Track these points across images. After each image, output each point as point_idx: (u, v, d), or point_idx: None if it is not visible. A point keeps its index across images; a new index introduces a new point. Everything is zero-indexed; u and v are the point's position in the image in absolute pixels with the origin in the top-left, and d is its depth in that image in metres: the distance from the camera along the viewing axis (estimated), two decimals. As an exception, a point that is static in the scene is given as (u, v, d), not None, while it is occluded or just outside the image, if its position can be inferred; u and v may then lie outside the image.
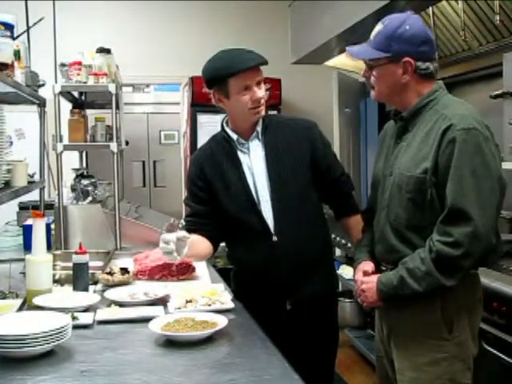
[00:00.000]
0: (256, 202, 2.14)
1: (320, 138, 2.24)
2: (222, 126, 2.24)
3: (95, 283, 2.39)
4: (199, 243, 2.19)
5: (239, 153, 2.19)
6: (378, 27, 1.85)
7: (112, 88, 3.22)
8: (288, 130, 2.21)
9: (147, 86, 6.28)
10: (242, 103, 2.10)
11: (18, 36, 2.67)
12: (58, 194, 3.27)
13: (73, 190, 3.58)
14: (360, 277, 1.93)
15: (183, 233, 2.08)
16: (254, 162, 2.17)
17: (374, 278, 1.87)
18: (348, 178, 2.31)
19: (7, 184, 2.56)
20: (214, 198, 2.19)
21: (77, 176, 3.77)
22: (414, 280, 1.74)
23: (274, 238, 2.12)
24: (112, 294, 2.20)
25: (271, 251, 2.13)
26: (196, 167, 2.25)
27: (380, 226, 1.92)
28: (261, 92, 2.11)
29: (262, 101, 2.12)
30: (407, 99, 1.86)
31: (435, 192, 1.75)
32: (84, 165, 4.68)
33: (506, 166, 2.55)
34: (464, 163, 1.69)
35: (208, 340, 1.73)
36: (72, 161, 4.24)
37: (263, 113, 2.15)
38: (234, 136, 2.19)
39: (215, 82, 2.11)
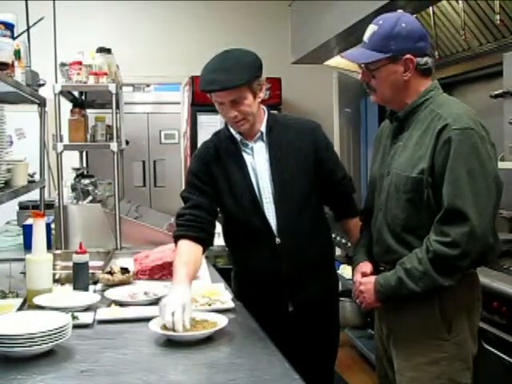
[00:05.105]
0: (259, 203, 2.12)
1: (324, 140, 2.22)
2: (226, 124, 2.20)
3: (95, 283, 2.39)
4: (196, 261, 2.08)
5: (244, 153, 2.16)
6: (372, 28, 1.82)
7: (112, 88, 3.22)
8: (292, 131, 2.18)
9: (147, 85, 6.28)
10: (222, 115, 2.10)
11: (18, 36, 2.67)
12: (58, 194, 3.27)
13: (73, 189, 3.58)
14: (358, 278, 1.92)
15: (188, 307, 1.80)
16: (257, 163, 2.15)
17: (372, 278, 1.86)
18: (350, 180, 2.30)
19: (7, 184, 2.56)
20: (217, 196, 2.16)
21: (77, 175, 3.77)
22: (412, 280, 1.73)
23: (277, 240, 2.11)
24: (112, 293, 2.20)
25: (274, 252, 2.12)
26: (201, 163, 2.19)
27: (377, 227, 1.91)
28: (233, 112, 2.03)
29: (239, 118, 2.06)
30: (406, 98, 1.85)
31: (431, 192, 1.74)
32: (84, 164, 4.69)
33: (506, 165, 2.55)
34: (460, 163, 1.68)
35: (208, 340, 1.73)
36: (72, 160, 4.23)
37: (246, 126, 2.09)
38: (238, 136, 2.16)
39: None
